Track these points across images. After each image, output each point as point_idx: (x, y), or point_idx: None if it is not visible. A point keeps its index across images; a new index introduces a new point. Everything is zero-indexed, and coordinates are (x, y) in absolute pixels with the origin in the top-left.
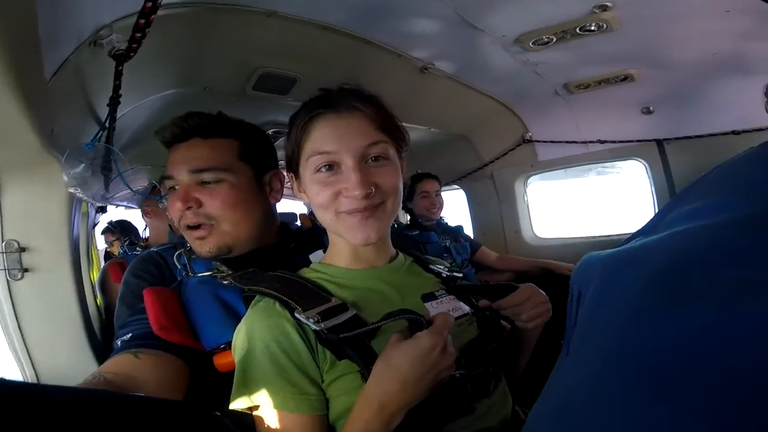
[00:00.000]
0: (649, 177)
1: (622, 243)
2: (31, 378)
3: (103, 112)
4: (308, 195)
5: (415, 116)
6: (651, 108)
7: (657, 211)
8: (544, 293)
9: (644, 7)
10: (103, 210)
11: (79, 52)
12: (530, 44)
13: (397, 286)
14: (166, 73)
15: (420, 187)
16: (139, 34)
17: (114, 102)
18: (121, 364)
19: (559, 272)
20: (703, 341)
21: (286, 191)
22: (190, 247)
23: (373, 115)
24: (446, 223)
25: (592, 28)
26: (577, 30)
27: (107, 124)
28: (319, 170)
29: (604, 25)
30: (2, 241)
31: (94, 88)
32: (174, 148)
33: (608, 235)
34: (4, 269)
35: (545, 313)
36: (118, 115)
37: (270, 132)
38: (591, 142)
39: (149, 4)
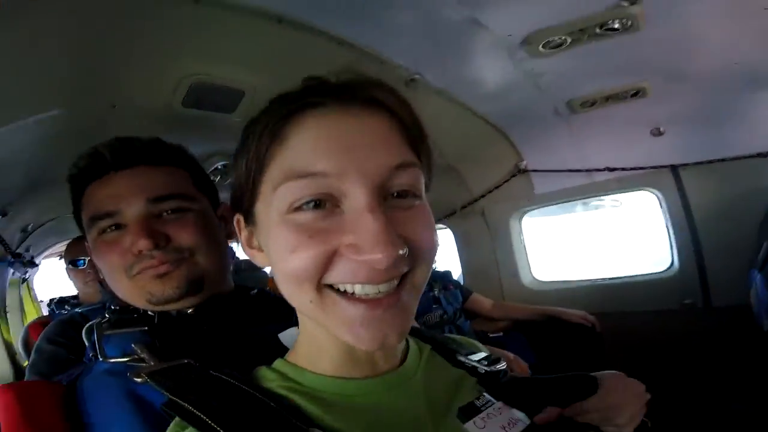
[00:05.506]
0: (663, 209)
1: None
2: None
3: None
4: (270, 251)
5: None
6: (661, 129)
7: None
8: (638, 381)
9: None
10: (32, 264)
11: None
12: (540, 47)
13: (423, 400)
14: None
15: None
16: None
17: None
18: None
19: (568, 320)
20: None
21: None
22: (106, 320)
23: (404, 119)
24: (433, 269)
25: (615, 26)
26: (597, 29)
27: None
28: (298, 207)
29: (629, 23)
30: None
31: None
32: (106, 180)
33: (618, 277)
34: None
35: (644, 407)
36: None
37: (219, 166)
38: (598, 170)
39: None
